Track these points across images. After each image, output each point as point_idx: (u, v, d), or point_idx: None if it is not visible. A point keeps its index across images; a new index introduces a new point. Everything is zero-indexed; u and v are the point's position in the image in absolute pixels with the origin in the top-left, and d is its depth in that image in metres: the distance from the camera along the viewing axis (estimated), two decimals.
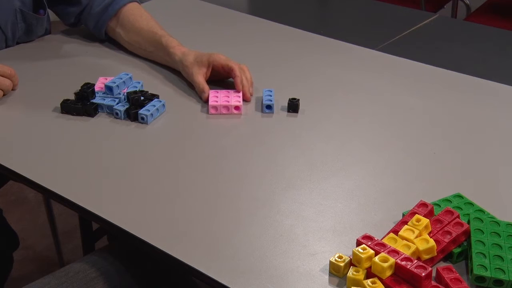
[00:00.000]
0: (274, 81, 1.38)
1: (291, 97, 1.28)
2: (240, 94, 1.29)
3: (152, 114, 1.23)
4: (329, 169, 1.11)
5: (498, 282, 0.85)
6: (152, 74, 1.42)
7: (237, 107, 1.26)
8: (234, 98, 1.28)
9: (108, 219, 0.99)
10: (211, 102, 1.26)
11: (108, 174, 1.10)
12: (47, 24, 1.54)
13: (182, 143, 1.19)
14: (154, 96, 1.28)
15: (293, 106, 1.27)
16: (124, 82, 1.30)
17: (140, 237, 0.95)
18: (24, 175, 1.09)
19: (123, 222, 0.98)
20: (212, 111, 1.26)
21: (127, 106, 1.25)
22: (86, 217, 1.04)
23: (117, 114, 1.24)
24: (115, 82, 1.28)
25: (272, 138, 1.20)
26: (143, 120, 1.23)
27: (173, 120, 1.25)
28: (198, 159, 1.14)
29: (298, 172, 1.10)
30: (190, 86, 1.37)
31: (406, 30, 1.72)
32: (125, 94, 1.27)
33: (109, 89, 1.28)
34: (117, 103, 1.26)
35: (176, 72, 1.42)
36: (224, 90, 1.31)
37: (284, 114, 1.27)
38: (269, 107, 1.27)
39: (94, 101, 1.26)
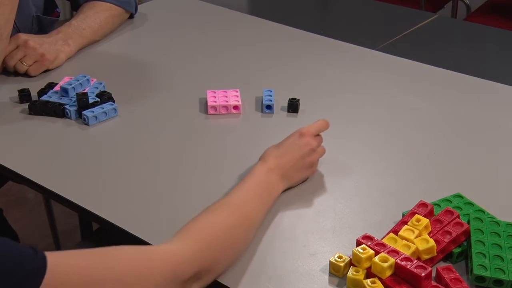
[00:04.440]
0: (274, 81, 1.38)
1: (291, 97, 1.28)
2: (238, 93, 1.29)
3: (96, 117, 1.22)
4: (329, 169, 1.11)
5: (498, 282, 0.85)
6: (150, 73, 1.42)
7: (236, 107, 1.26)
8: (232, 98, 1.28)
9: (108, 219, 0.99)
10: (210, 102, 1.26)
11: (108, 174, 1.10)
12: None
13: (182, 143, 1.18)
14: (109, 99, 1.27)
15: (293, 106, 1.27)
16: (81, 84, 1.29)
17: (140, 237, 0.95)
18: (24, 175, 1.09)
19: (123, 222, 0.98)
20: (211, 111, 1.26)
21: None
22: (86, 217, 1.05)
23: (67, 113, 1.24)
24: (70, 84, 1.28)
25: (272, 138, 1.19)
26: (85, 121, 1.23)
27: (173, 120, 1.25)
28: (198, 159, 1.14)
29: None
30: (188, 85, 1.37)
31: (406, 30, 1.72)
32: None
33: (64, 90, 1.27)
34: (71, 104, 1.25)
35: (174, 72, 1.43)
36: (221, 90, 1.31)
37: (284, 114, 1.27)
38: (269, 107, 1.27)
39: (42, 98, 1.27)
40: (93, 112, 1.22)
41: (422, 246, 0.87)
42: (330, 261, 0.88)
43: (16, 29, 1.42)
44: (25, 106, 1.27)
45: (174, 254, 0.82)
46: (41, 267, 0.70)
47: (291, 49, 1.54)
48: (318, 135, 1.09)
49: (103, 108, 1.24)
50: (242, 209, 0.93)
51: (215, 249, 0.86)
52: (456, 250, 0.90)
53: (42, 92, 1.30)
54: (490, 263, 0.86)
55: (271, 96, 1.29)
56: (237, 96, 1.29)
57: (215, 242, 0.86)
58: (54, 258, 0.72)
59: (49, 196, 1.10)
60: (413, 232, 0.90)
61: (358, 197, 1.04)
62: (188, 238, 0.85)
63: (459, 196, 1.00)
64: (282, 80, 1.39)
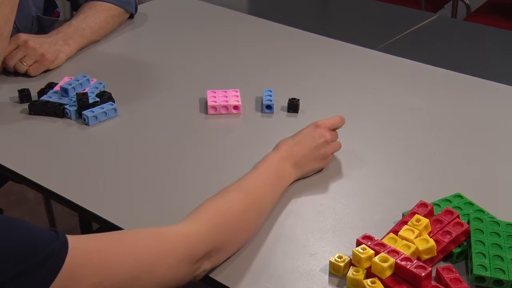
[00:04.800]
0: (274, 81, 1.38)
1: (291, 97, 1.28)
2: (238, 93, 1.29)
3: (96, 117, 1.22)
4: (329, 169, 1.11)
5: (498, 282, 0.85)
6: (150, 73, 1.42)
7: (236, 107, 1.26)
8: (232, 98, 1.28)
9: (108, 219, 0.99)
10: (210, 102, 1.26)
11: (108, 174, 1.10)
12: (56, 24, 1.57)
13: (182, 143, 1.18)
14: (109, 99, 1.27)
15: (293, 106, 1.27)
16: (81, 84, 1.29)
17: None
18: (24, 175, 1.09)
19: (123, 222, 0.98)
20: (211, 111, 1.26)
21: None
22: (86, 217, 1.05)
23: (67, 113, 1.24)
24: (70, 84, 1.28)
25: (272, 138, 1.19)
26: (85, 121, 1.23)
27: (173, 120, 1.25)
28: (198, 159, 1.14)
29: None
30: (188, 85, 1.37)
31: (406, 30, 1.72)
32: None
33: (64, 90, 1.27)
34: (71, 104, 1.25)
35: (174, 72, 1.43)
36: (221, 90, 1.31)
37: (284, 114, 1.27)
38: (269, 107, 1.27)
39: (42, 98, 1.27)
40: (93, 112, 1.22)
41: (422, 246, 0.87)
42: (330, 261, 0.88)
43: (16, 29, 1.42)
44: (25, 106, 1.27)
45: (186, 235, 0.85)
46: (63, 248, 0.72)
47: (291, 49, 1.54)
48: (334, 130, 1.11)
49: (103, 108, 1.24)
50: (254, 194, 0.95)
51: (226, 231, 0.89)
52: (456, 250, 0.90)
53: (42, 92, 1.30)
54: (490, 263, 0.86)
55: (271, 96, 1.29)
56: (237, 96, 1.29)
57: (227, 225, 0.89)
58: (74, 241, 0.74)
59: (49, 196, 1.10)
60: (413, 232, 0.90)
61: (358, 197, 1.04)
62: (200, 219, 0.88)
63: (459, 196, 1.00)
64: (282, 80, 1.39)
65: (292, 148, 1.04)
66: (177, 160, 1.13)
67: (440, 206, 0.98)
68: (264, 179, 0.99)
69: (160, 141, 1.19)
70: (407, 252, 0.86)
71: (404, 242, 0.89)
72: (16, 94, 1.29)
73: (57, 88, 1.30)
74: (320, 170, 1.09)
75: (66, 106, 1.24)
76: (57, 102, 1.25)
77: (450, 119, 1.26)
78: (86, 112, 1.22)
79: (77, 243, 0.74)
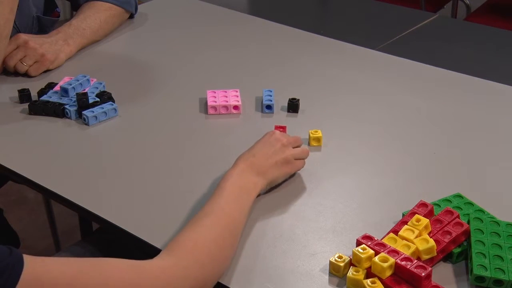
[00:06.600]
0: (274, 81, 1.38)
1: (291, 97, 1.28)
2: (238, 93, 1.29)
3: (96, 117, 1.22)
4: (329, 169, 1.11)
5: (498, 282, 0.85)
6: (150, 73, 1.42)
7: (236, 107, 1.26)
8: (232, 98, 1.28)
9: (108, 219, 0.99)
10: (210, 103, 1.26)
11: (108, 174, 1.10)
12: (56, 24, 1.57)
13: (182, 143, 1.19)
14: (109, 99, 1.27)
15: (293, 106, 1.27)
16: (81, 84, 1.29)
17: (140, 237, 0.95)
18: (24, 175, 1.09)
19: (123, 222, 0.98)
20: (211, 111, 1.26)
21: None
22: (86, 217, 1.05)
23: (67, 113, 1.24)
24: (70, 84, 1.28)
25: None
26: (85, 121, 1.23)
27: (173, 121, 1.25)
28: (198, 159, 1.14)
29: (298, 171, 1.10)
30: (188, 85, 1.37)
31: (406, 30, 1.72)
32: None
33: (64, 90, 1.27)
34: (71, 104, 1.25)
35: (174, 72, 1.43)
36: (221, 90, 1.31)
37: (284, 114, 1.27)
38: (269, 107, 1.27)
39: (42, 98, 1.27)
40: (93, 112, 1.22)
41: (422, 246, 0.87)
42: (330, 261, 0.88)
43: (16, 29, 1.42)
44: (25, 106, 1.27)
45: (164, 271, 0.81)
46: (17, 264, 0.69)
47: (291, 49, 1.54)
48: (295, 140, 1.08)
49: (103, 108, 1.24)
50: (225, 216, 0.91)
51: (205, 263, 0.85)
52: (456, 250, 0.90)
53: (42, 92, 1.30)
54: (490, 263, 0.86)
55: (271, 96, 1.29)
56: (237, 96, 1.29)
57: (205, 256, 0.85)
58: (42, 265, 0.71)
59: (49, 196, 1.10)
60: (413, 232, 0.90)
61: (358, 197, 1.04)
62: (179, 254, 0.84)
63: (459, 196, 1.00)
64: (282, 80, 1.39)
65: (250, 159, 1.01)
66: (177, 160, 1.13)
67: (440, 206, 0.98)
68: (230, 198, 0.94)
69: (160, 141, 1.19)
70: (407, 252, 0.86)
71: (404, 242, 0.89)
72: (16, 94, 1.29)
73: (57, 88, 1.30)
74: (292, 176, 1.07)
75: (66, 106, 1.24)
76: (57, 102, 1.25)
77: (450, 119, 1.26)
78: (86, 112, 1.22)
79: (44, 267, 0.70)
